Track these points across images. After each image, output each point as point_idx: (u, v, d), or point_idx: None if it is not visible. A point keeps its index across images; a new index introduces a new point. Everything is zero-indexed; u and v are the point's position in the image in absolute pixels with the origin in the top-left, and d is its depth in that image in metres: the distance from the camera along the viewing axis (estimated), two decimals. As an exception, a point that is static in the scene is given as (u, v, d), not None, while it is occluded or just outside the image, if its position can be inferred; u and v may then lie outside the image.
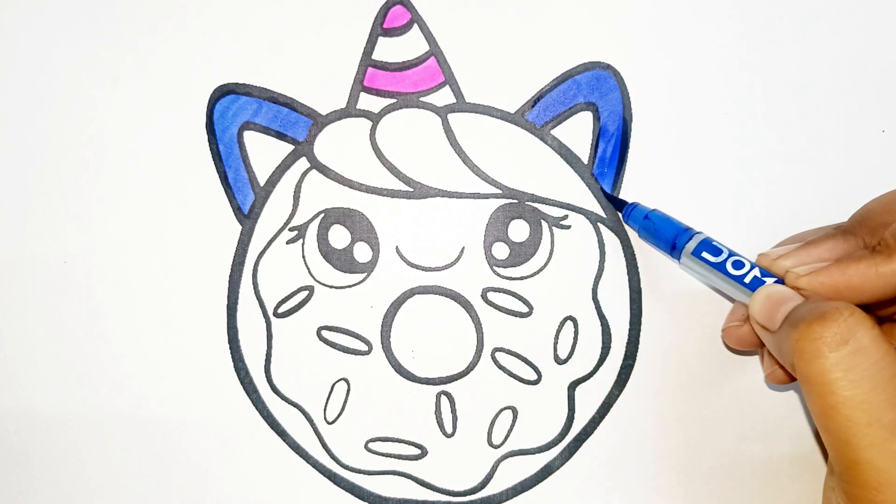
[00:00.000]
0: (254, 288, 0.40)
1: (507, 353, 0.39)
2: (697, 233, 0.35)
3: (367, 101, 0.40)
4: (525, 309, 0.39)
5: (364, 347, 0.39)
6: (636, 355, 0.39)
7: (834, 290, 0.30)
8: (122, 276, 0.40)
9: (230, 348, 0.39)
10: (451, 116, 0.39)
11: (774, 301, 0.31)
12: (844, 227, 0.33)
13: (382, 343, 0.39)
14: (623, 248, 0.39)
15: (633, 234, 0.39)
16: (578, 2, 0.40)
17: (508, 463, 0.40)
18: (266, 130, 0.40)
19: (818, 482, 0.39)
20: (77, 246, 0.40)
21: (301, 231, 0.40)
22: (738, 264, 0.34)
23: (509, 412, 0.40)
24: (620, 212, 0.38)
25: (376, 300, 0.39)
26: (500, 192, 0.39)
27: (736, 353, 0.39)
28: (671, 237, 0.36)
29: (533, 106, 0.40)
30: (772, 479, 0.40)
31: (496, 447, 0.40)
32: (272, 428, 0.39)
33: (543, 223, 0.39)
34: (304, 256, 0.40)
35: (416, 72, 0.39)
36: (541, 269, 0.39)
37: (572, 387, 0.40)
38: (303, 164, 0.40)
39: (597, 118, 0.40)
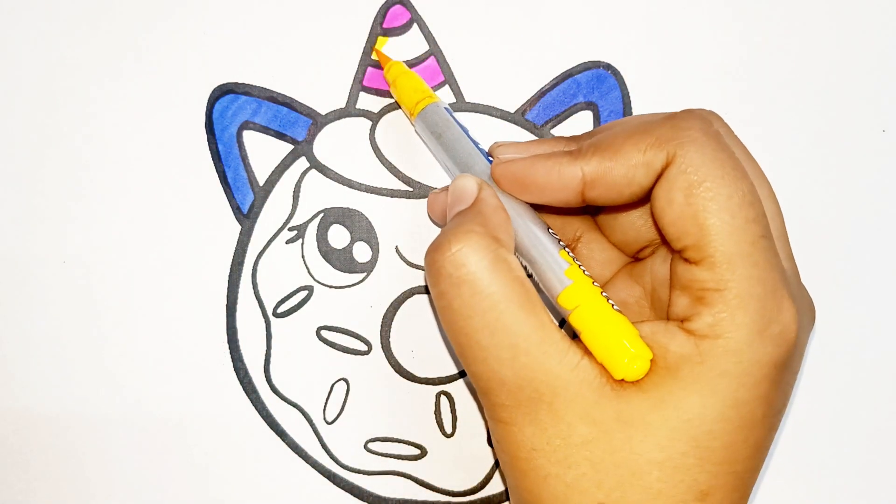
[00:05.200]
0: (253, 288, 0.39)
1: (507, 353, 0.39)
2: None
3: (367, 101, 0.40)
4: (525, 309, 0.39)
5: (363, 347, 0.39)
6: (636, 355, 0.39)
7: (519, 184, 0.31)
8: (121, 276, 0.40)
9: (229, 348, 0.39)
10: (450, 116, 0.39)
11: (456, 195, 0.31)
12: (580, 135, 0.32)
13: (382, 343, 0.39)
14: (623, 248, 0.39)
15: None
16: (578, 2, 0.40)
17: (508, 463, 0.40)
18: (265, 130, 0.40)
19: (819, 481, 0.39)
20: (76, 246, 0.40)
21: (300, 231, 0.40)
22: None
23: (509, 412, 0.40)
24: None
25: (376, 300, 0.39)
26: (500, 191, 0.39)
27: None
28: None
29: (533, 105, 0.39)
30: (771, 477, 0.39)
31: (496, 447, 0.40)
32: (271, 428, 0.39)
33: (543, 223, 0.39)
34: (303, 256, 0.39)
35: (416, 71, 0.39)
36: (540, 269, 0.39)
37: (572, 387, 0.40)
38: (302, 163, 0.40)
39: (597, 118, 0.39)
